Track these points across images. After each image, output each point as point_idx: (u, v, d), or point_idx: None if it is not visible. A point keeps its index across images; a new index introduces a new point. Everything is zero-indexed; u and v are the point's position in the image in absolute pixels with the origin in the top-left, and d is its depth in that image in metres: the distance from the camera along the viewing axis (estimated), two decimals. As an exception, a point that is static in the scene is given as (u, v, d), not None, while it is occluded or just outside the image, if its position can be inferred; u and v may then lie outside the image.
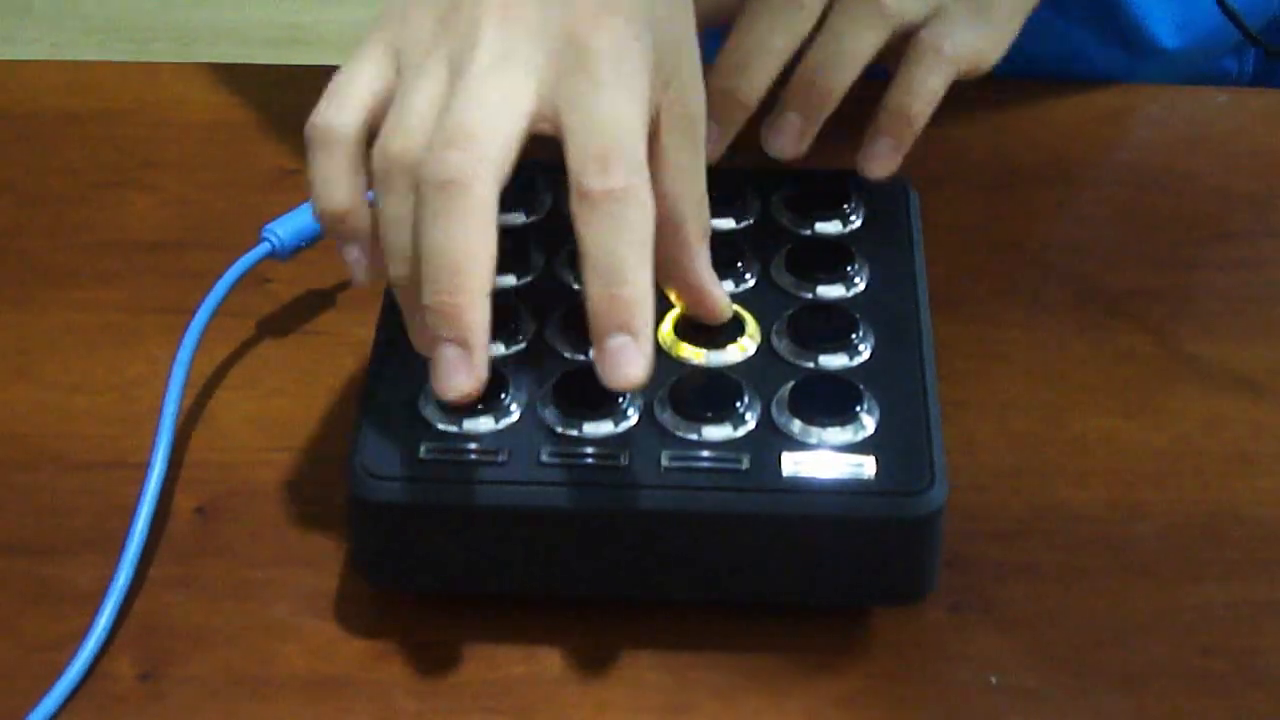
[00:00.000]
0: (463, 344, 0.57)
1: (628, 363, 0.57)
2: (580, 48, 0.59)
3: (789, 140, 0.73)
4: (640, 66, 0.59)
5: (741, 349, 0.65)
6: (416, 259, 0.58)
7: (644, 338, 0.58)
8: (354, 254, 0.61)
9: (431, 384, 0.58)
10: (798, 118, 0.72)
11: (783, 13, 0.72)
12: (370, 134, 0.61)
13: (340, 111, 0.61)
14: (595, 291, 0.58)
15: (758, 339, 0.65)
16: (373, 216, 0.60)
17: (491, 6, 0.60)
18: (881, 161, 0.73)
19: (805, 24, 0.73)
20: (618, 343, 0.58)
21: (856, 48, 0.73)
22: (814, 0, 0.73)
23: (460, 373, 0.57)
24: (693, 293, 0.64)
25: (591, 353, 0.58)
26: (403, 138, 0.59)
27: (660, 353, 0.64)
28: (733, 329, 0.65)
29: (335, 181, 0.60)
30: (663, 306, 0.66)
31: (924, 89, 0.73)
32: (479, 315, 0.57)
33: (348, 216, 0.60)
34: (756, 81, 0.72)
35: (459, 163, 0.57)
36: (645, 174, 0.58)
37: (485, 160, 0.57)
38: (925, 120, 0.73)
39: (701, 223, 0.62)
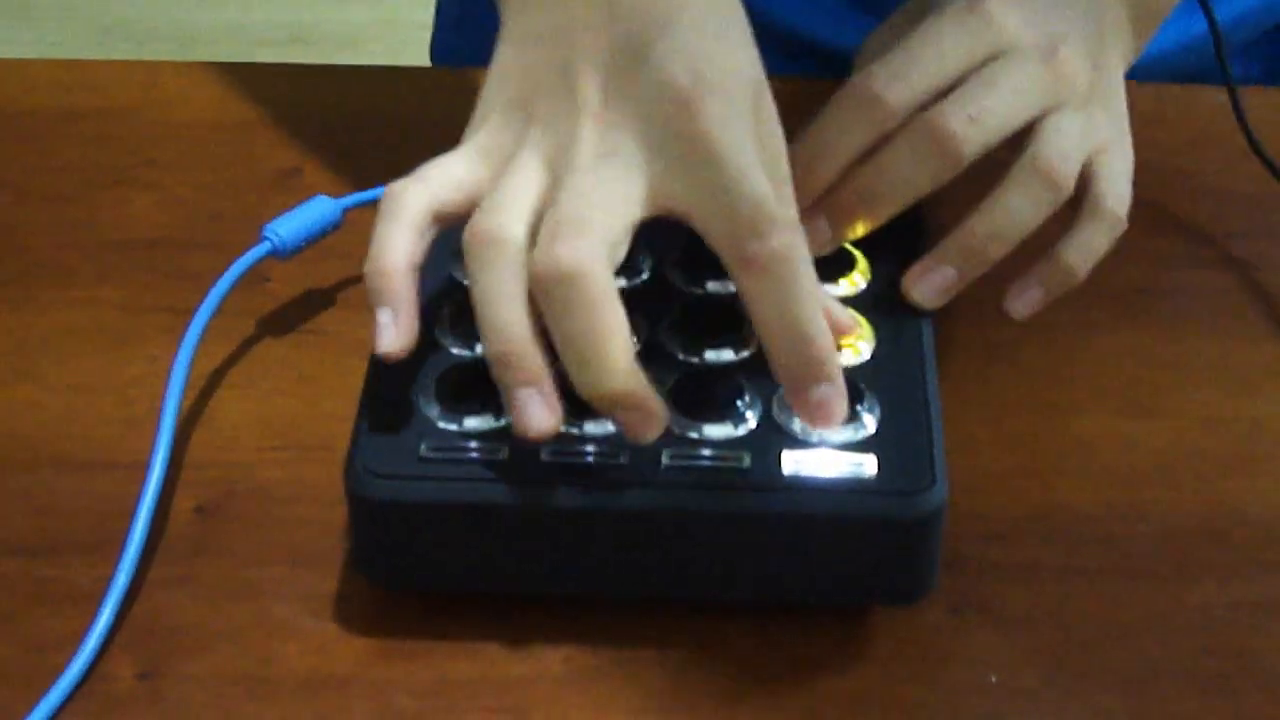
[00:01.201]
0: (638, 407, 0.59)
1: (834, 407, 0.60)
2: (686, 133, 0.60)
3: (938, 293, 0.68)
4: (740, 134, 0.60)
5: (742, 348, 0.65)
6: (514, 338, 0.59)
7: (839, 378, 0.60)
8: (386, 317, 0.60)
9: (624, 433, 0.59)
10: (954, 274, 0.68)
11: (924, 153, 0.68)
12: (444, 222, 0.62)
13: (419, 187, 0.62)
14: (785, 357, 0.60)
15: (753, 347, 0.65)
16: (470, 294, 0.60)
17: (585, 110, 0.61)
18: (1031, 306, 0.70)
19: (880, 126, 0.68)
20: (821, 393, 0.60)
21: (1025, 223, 0.68)
22: (900, 102, 0.68)
23: (650, 427, 0.59)
24: None
25: (790, 402, 0.61)
26: (495, 216, 0.60)
27: (661, 352, 0.64)
28: (732, 328, 0.65)
29: (393, 242, 0.61)
30: (663, 307, 0.66)
31: (1095, 251, 0.69)
32: (637, 385, 0.58)
33: (393, 278, 0.60)
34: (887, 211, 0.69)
35: (572, 253, 0.58)
36: (798, 224, 0.59)
37: (597, 247, 0.58)
38: (1086, 275, 0.70)
39: None
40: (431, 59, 1.09)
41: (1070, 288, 0.70)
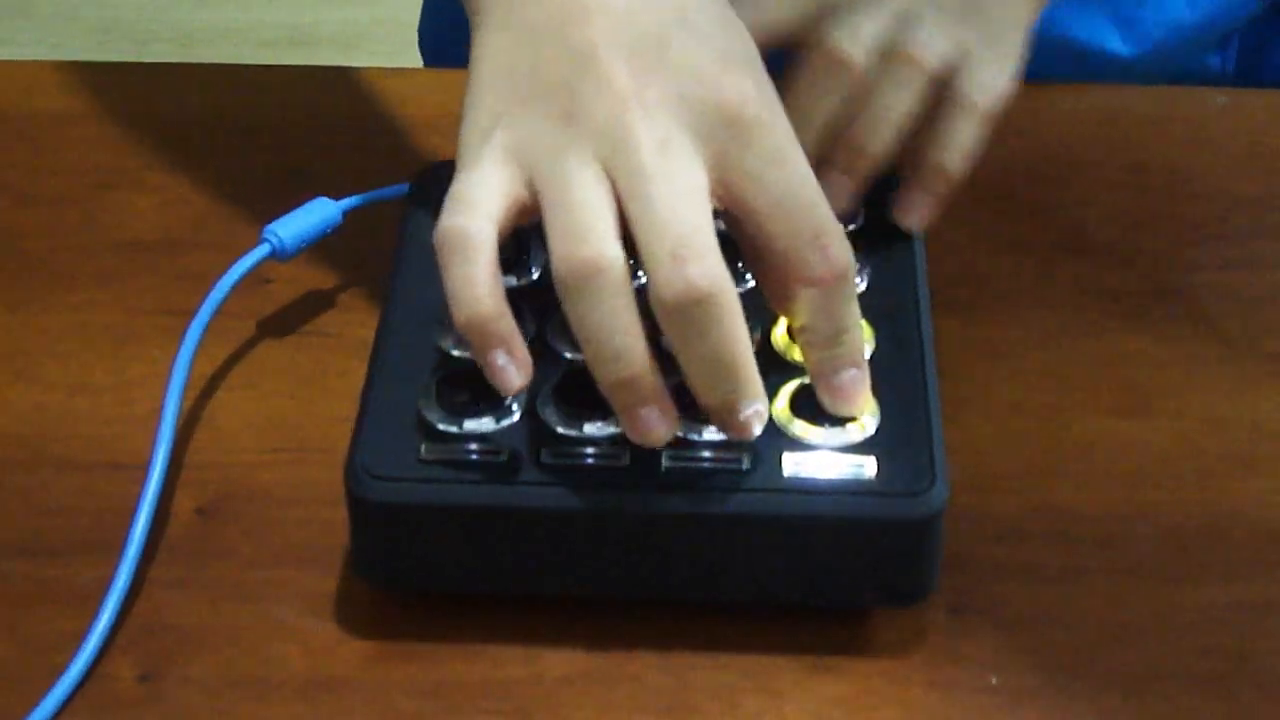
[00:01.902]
0: (761, 411, 0.60)
1: (860, 390, 0.62)
2: (730, 121, 0.60)
3: (837, 199, 0.69)
4: (783, 116, 0.61)
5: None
6: (634, 362, 0.58)
7: (865, 364, 0.62)
8: (500, 359, 0.59)
9: (731, 432, 0.60)
10: (846, 179, 0.71)
11: (826, 79, 0.71)
12: (502, 237, 0.60)
13: (473, 216, 0.59)
14: (821, 349, 0.62)
15: (758, 339, 0.65)
16: (573, 323, 0.59)
17: (623, 97, 0.60)
18: (920, 213, 0.72)
19: (849, 89, 0.71)
20: (849, 376, 0.62)
21: (898, 109, 0.71)
22: (861, 62, 0.71)
23: (760, 426, 0.60)
24: None
25: (816, 386, 0.62)
26: (587, 243, 0.58)
27: (662, 354, 0.64)
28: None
29: (479, 286, 0.59)
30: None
31: (960, 143, 0.72)
32: (763, 391, 0.60)
33: (495, 321, 0.59)
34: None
35: (704, 274, 0.58)
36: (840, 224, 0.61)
37: (719, 260, 0.58)
38: (963, 172, 0.72)
39: None
40: (420, 50, 1.08)
41: (951, 187, 0.72)
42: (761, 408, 0.60)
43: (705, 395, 0.59)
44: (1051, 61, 0.85)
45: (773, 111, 0.61)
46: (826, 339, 0.61)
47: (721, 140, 0.60)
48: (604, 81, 0.60)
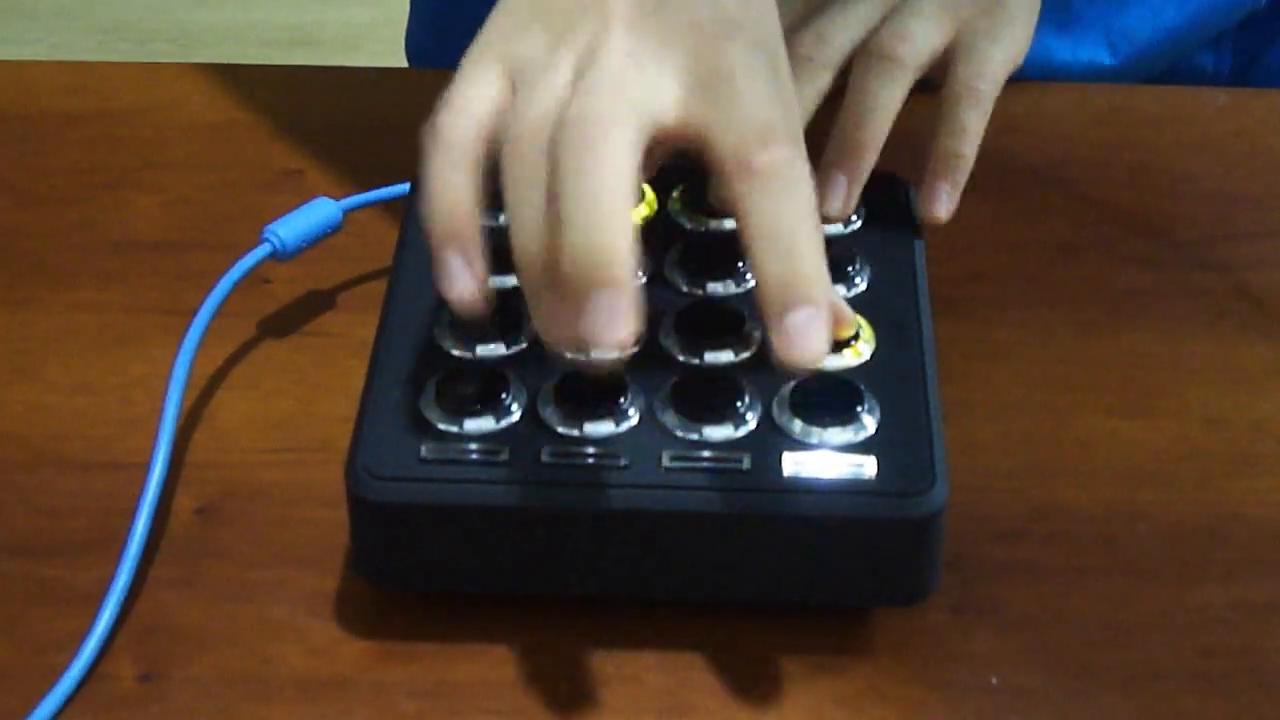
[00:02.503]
0: (615, 285, 0.55)
1: (813, 338, 0.56)
2: (711, 63, 0.59)
3: (839, 200, 0.71)
4: (769, 81, 0.60)
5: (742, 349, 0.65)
6: (547, 233, 0.56)
7: (826, 308, 0.57)
8: (456, 264, 0.58)
9: (588, 337, 0.55)
10: (843, 177, 0.71)
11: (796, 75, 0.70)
12: (487, 148, 0.60)
13: (459, 117, 0.60)
14: (771, 269, 0.56)
15: (758, 339, 0.65)
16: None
17: (615, 22, 0.60)
18: (943, 201, 0.72)
19: (822, 81, 0.73)
20: (802, 316, 0.56)
21: (884, 102, 0.72)
22: (829, 57, 0.74)
23: (620, 318, 0.55)
24: None
25: (768, 330, 0.57)
26: (535, 109, 0.58)
27: (661, 354, 0.64)
28: (733, 328, 0.65)
29: (453, 180, 0.59)
30: (662, 308, 0.66)
31: (966, 128, 0.73)
32: (629, 256, 0.55)
33: (460, 219, 0.59)
34: None
35: (598, 106, 0.57)
36: (804, 147, 0.59)
37: (626, 106, 0.57)
38: (975, 155, 0.73)
39: None
40: (407, 57, 1.08)
41: (965, 171, 0.73)
42: (625, 285, 0.55)
43: (565, 240, 0.56)
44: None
45: (752, 70, 0.60)
46: (773, 257, 0.57)
47: (694, 78, 0.59)
48: (603, 11, 0.60)
